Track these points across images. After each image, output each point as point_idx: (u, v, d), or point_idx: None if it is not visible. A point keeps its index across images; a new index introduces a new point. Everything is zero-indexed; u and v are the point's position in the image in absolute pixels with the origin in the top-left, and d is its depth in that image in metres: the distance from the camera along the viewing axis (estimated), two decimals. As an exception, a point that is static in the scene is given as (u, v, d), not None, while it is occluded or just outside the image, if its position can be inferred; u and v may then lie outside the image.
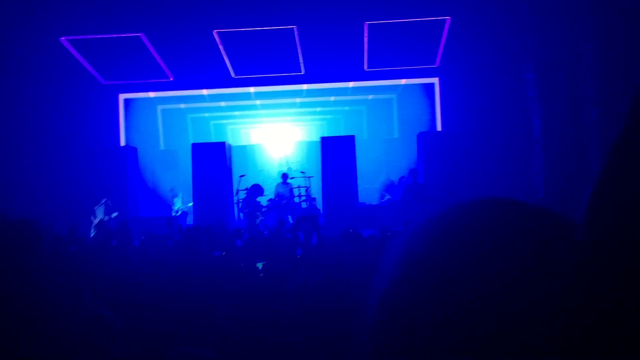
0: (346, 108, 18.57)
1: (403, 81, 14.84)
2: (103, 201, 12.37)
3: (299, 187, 14.10)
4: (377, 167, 16.65)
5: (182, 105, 16.94)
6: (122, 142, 14.55)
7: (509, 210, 0.59)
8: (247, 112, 18.27)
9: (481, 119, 12.77)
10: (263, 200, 13.25)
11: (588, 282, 0.47)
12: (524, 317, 0.49)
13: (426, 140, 13.38)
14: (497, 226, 0.56)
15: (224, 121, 19.56)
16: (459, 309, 0.51)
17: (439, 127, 14.27)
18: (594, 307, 0.46)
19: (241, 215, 13.27)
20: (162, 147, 16.96)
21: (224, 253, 5.14)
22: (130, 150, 14.29)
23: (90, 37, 12.09)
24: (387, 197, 14.97)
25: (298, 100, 16.75)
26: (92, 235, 11.50)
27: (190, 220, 14.11)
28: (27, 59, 12.18)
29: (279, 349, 3.07)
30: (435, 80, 14.35)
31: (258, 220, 12.50)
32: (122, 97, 14.75)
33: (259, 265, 5.14)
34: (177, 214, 14.22)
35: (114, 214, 12.24)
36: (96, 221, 12.02)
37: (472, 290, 0.51)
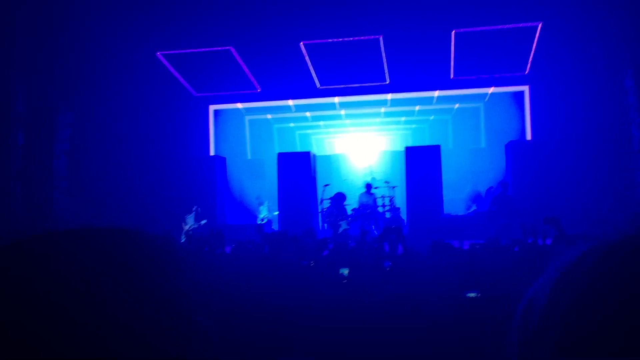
0: (431, 117, 18.33)
1: (491, 89, 14.47)
2: (194, 209, 12.85)
3: (382, 197, 14.03)
4: (463, 178, 16.29)
5: (269, 116, 17.32)
6: (212, 152, 15.06)
7: None
8: (331, 122, 18.40)
9: (574, 128, 12.21)
10: (348, 209, 13.27)
11: None
12: None
13: (515, 149, 12.96)
14: None
15: (309, 131, 19.80)
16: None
17: (528, 137, 13.79)
18: None
19: (325, 225, 13.36)
20: (249, 156, 17.39)
21: (312, 263, 5.19)
22: (219, 160, 14.76)
23: (183, 51, 12.63)
24: (474, 208, 14.63)
25: (382, 109, 16.71)
26: (182, 241, 11.95)
27: (275, 228, 14.36)
28: (125, 72, 12.87)
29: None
30: (525, 88, 13.89)
31: (341, 230, 12.51)
32: (212, 108, 15.29)
33: (344, 271, 5.14)
34: (263, 222, 14.52)
35: (203, 221, 12.66)
36: (187, 228, 12.49)
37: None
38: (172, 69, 13.33)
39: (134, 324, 0.78)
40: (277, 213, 14.23)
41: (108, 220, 12.20)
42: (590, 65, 11.87)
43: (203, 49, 12.45)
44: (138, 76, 13.15)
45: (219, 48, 12.40)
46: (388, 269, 4.59)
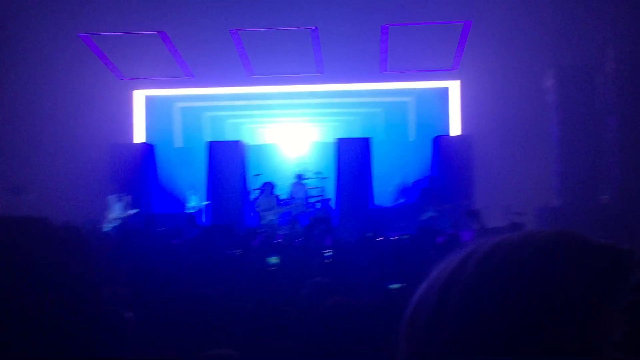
0: (363, 110, 18.51)
1: (421, 84, 14.77)
2: (117, 197, 12.42)
3: (313, 187, 14.08)
4: (393, 170, 16.56)
5: (200, 104, 16.98)
6: (139, 139, 14.62)
7: (580, 246, 0.57)
8: (263, 112, 18.27)
9: (499, 123, 12.66)
10: (278, 199, 13.21)
11: None
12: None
13: (442, 144, 13.30)
14: (572, 261, 0.55)
15: (241, 120, 19.57)
16: (518, 334, 0.50)
17: (456, 132, 14.19)
18: None
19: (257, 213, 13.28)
20: (178, 144, 17.00)
21: (239, 251, 5.14)
22: (146, 148, 14.36)
23: (109, 33, 12.16)
24: (402, 200, 14.91)
25: (315, 101, 16.73)
26: (106, 230, 11.57)
27: (204, 218, 14.14)
28: (44, 54, 12.25)
29: (292, 350, 3.05)
30: (454, 84, 14.26)
31: (268, 220, 12.44)
32: (140, 93, 14.82)
33: (273, 260, 5.12)
34: (194, 212, 14.27)
35: (133, 211, 12.30)
36: (112, 217, 12.09)
37: (533, 319, 0.51)
38: (95, 51, 12.81)
39: (32, 313, 0.73)
40: (206, 203, 14.01)
41: (26, 209, 11.68)
42: (515, 64, 12.33)
43: (130, 32, 12.04)
44: (59, 58, 12.54)
45: (148, 32, 12.02)
46: (318, 259, 4.61)
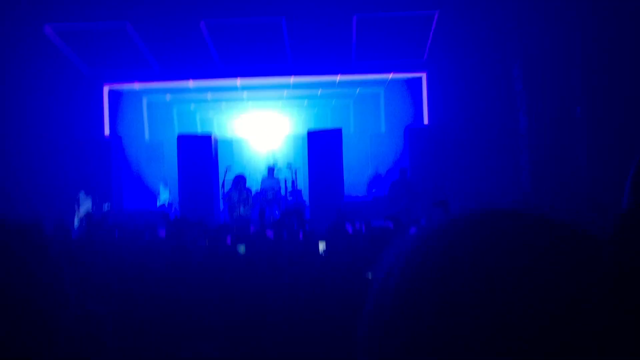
0: (333, 102, 18.54)
1: (390, 75, 14.82)
2: (83, 194, 12.22)
3: (285, 179, 14.06)
4: (364, 161, 16.65)
5: (168, 97, 16.79)
6: (107, 134, 14.39)
7: (514, 222, 0.57)
8: (233, 104, 18.16)
9: (468, 113, 12.79)
10: (250, 192, 13.14)
11: (618, 298, 0.46)
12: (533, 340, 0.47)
13: (412, 134, 13.39)
14: (496, 240, 0.54)
15: (210, 113, 19.43)
16: (460, 326, 0.49)
17: (425, 122, 14.29)
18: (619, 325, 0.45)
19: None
20: (147, 138, 16.79)
21: (212, 245, 5.11)
22: (115, 142, 14.14)
23: (74, 25, 11.90)
24: (374, 191, 15.00)
25: (285, 92, 16.68)
26: (76, 227, 11.38)
27: (175, 213, 14.02)
28: (7, 47, 11.95)
29: (264, 345, 3.05)
30: (422, 75, 14.34)
31: (238, 213, 12.31)
32: (107, 88, 14.57)
33: (241, 248, 5.10)
34: (165, 206, 14.14)
35: (106, 205, 12.15)
36: (81, 213, 11.89)
37: (473, 309, 0.49)
38: (60, 45, 12.53)
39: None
40: (176, 197, 13.90)
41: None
42: (482, 54, 12.45)
43: (96, 23, 11.79)
44: (20, 52, 12.23)
45: (113, 23, 11.80)
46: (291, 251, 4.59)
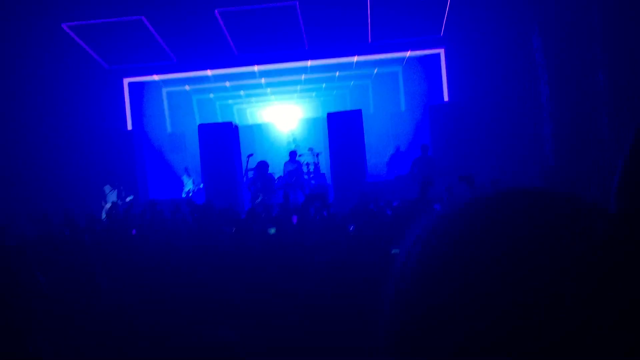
0: (351, 83, 18.46)
1: (408, 53, 14.70)
2: (115, 186, 12.41)
3: (307, 164, 14.08)
4: (385, 141, 16.59)
5: (187, 87, 16.89)
6: (129, 126, 14.56)
7: (532, 201, 0.57)
8: (252, 91, 18.20)
9: (488, 87, 12.60)
10: (274, 177, 13.17)
11: (622, 271, 0.47)
12: (555, 314, 0.47)
13: (434, 111, 13.27)
14: (521, 219, 0.54)
15: (230, 101, 19.50)
16: (483, 305, 0.50)
17: (445, 98, 14.16)
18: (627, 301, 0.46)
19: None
20: (169, 129, 16.96)
21: (234, 230, 5.17)
22: (137, 134, 14.30)
23: (91, 22, 12.01)
24: (396, 170, 14.95)
25: (303, 77, 16.65)
26: (103, 218, 11.57)
27: (200, 201, 14.16)
28: (29, 46, 12.12)
29: (291, 329, 3.09)
30: (440, 51, 14.18)
31: (258, 200, 12.34)
32: (127, 81, 14.72)
33: (271, 230, 5.14)
34: (190, 196, 14.29)
35: (129, 198, 12.30)
36: (108, 206, 12.08)
37: (496, 287, 0.50)
38: (80, 41, 12.67)
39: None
40: (202, 185, 14.02)
41: (20, 202, 11.63)
42: (500, 25, 12.22)
43: (112, 19, 11.89)
44: (42, 50, 12.39)
45: (130, 18, 11.88)
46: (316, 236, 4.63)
